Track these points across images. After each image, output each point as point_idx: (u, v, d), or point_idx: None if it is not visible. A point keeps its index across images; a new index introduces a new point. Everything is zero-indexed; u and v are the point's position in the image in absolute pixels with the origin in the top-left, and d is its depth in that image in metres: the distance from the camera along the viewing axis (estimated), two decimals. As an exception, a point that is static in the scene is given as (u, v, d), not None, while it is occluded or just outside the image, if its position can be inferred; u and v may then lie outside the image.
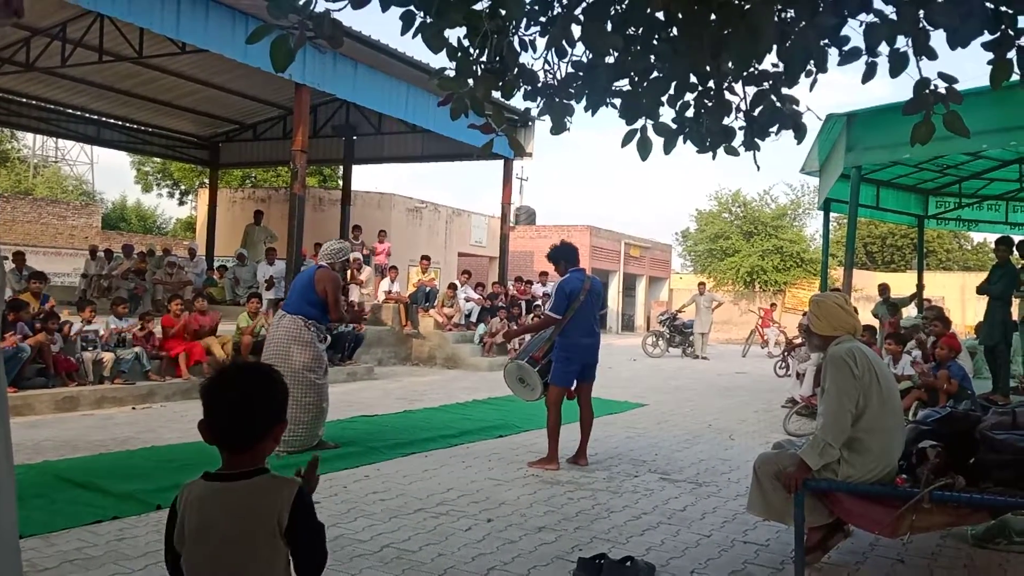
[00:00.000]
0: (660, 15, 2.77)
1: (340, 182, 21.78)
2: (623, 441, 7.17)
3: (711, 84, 2.99)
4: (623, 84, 2.93)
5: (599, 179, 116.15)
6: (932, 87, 2.52)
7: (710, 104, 3.01)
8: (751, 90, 2.97)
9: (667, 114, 3.01)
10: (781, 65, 2.79)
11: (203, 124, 19.27)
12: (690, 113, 3.07)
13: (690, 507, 4.93)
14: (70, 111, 17.72)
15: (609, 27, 2.75)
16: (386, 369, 13.02)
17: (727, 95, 3.01)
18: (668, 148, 2.98)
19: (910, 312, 12.73)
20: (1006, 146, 8.25)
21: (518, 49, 2.89)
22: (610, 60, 2.85)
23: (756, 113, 2.99)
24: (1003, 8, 2.45)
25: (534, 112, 2.99)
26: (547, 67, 2.94)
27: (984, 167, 10.43)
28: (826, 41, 2.61)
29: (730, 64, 2.79)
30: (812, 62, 2.66)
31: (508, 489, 5.26)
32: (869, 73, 2.57)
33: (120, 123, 18.78)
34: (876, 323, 11.63)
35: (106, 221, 37.00)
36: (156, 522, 4.22)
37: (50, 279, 12.59)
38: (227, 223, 20.61)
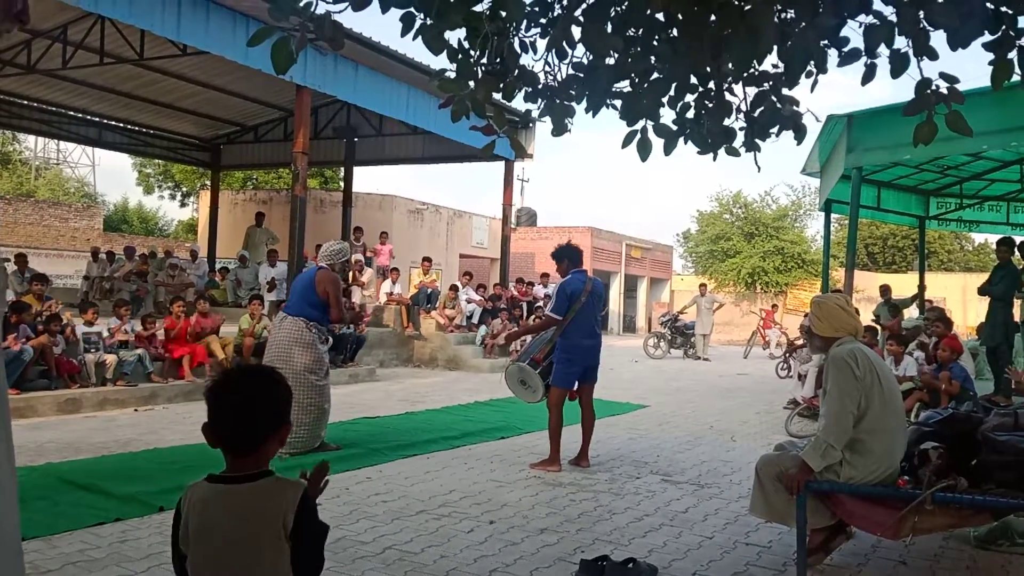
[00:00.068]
0: (660, 16, 2.77)
1: (341, 184, 21.78)
2: (625, 443, 7.17)
3: (711, 85, 2.99)
4: (623, 85, 2.94)
5: (600, 180, 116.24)
6: (934, 87, 2.52)
7: (710, 105, 3.01)
8: (751, 91, 2.97)
9: (668, 115, 3.02)
10: (781, 66, 2.79)
11: (204, 126, 19.29)
12: (691, 114, 3.07)
13: (692, 509, 4.93)
14: (71, 113, 17.74)
15: (609, 28, 2.75)
16: (388, 371, 13.02)
17: (727, 96, 3.01)
18: (668, 149, 2.98)
19: (912, 313, 12.72)
20: (1007, 147, 8.26)
21: (518, 51, 2.90)
22: (610, 61, 2.85)
23: (756, 114, 2.99)
24: (1003, 8, 2.45)
25: (535, 114, 2.99)
26: (547, 69, 2.94)
27: (985, 168, 10.43)
28: (826, 42, 2.61)
29: (730, 65, 2.79)
30: (812, 63, 2.66)
31: (510, 491, 5.26)
32: (869, 74, 2.57)
33: (121, 125, 18.80)
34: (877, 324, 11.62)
35: (108, 223, 37.04)
36: (159, 524, 4.22)
37: (52, 281, 12.58)
38: (228, 225, 20.63)
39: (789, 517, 3.61)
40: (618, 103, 2.94)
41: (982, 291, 8.92)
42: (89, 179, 51.03)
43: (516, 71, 2.90)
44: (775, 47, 2.65)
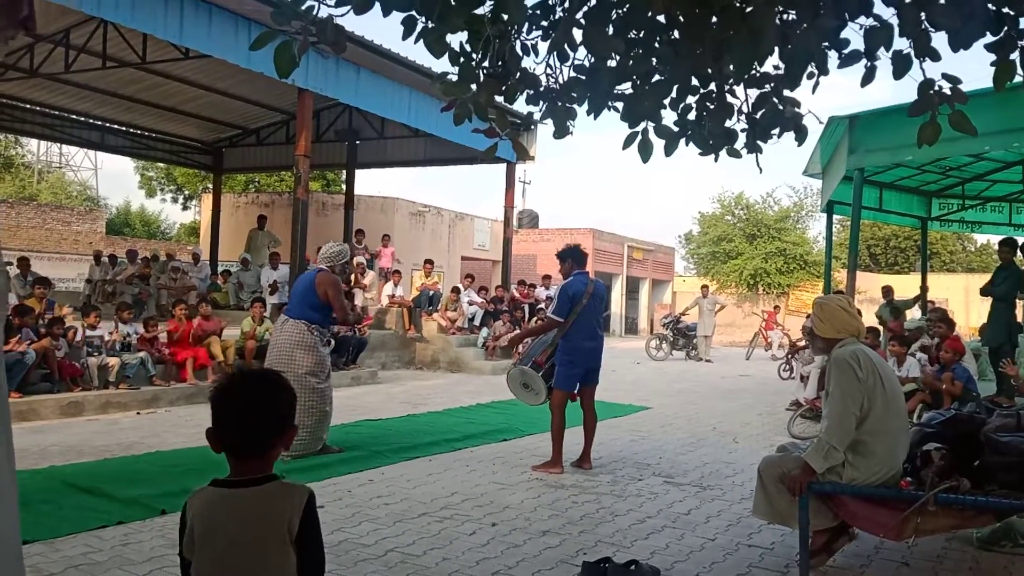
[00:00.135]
0: (661, 18, 2.77)
1: (343, 186, 21.80)
2: (627, 444, 7.17)
3: (713, 87, 2.99)
4: (625, 87, 2.94)
5: (602, 182, 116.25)
6: (936, 88, 2.52)
7: (712, 106, 3.02)
8: (753, 92, 2.97)
9: (669, 117, 3.02)
10: (783, 67, 2.79)
11: (206, 129, 19.33)
12: (692, 116, 3.07)
13: (694, 510, 4.92)
14: (74, 117, 17.78)
15: (611, 30, 2.76)
16: (390, 373, 13.02)
17: (729, 97, 3.01)
18: (669, 150, 2.99)
19: (914, 314, 12.71)
20: (1009, 148, 8.25)
21: (520, 53, 2.90)
22: (612, 63, 2.86)
23: (758, 115, 2.99)
24: (1005, 10, 2.45)
25: (536, 116, 2.99)
26: (549, 71, 2.94)
27: (987, 169, 10.42)
28: (826, 44, 2.61)
29: (732, 66, 2.79)
30: (813, 65, 2.66)
31: (512, 493, 5.25)
32: (868, 76, 2.58)
33: (124, 129, 18.84)
34: (880, 325, 11.61)
35: (110, 226, 37.11)
36: (161, 527, 4.23)
37: (55, 284, 12.60)
38: (231, 228, 20.65)
39: (791, 518, 3.61)
40: (619, 105, 2.94)
41: (984, 292, 8.91)
42: (91, 182, 51.18)
43: (518, 74, 2.90)
44: (776, 49, 2.65)
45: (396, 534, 4.24)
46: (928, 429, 3.74)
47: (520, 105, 3.18)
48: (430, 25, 2.55)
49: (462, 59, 2.77)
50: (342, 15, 2.53)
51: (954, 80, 2.52)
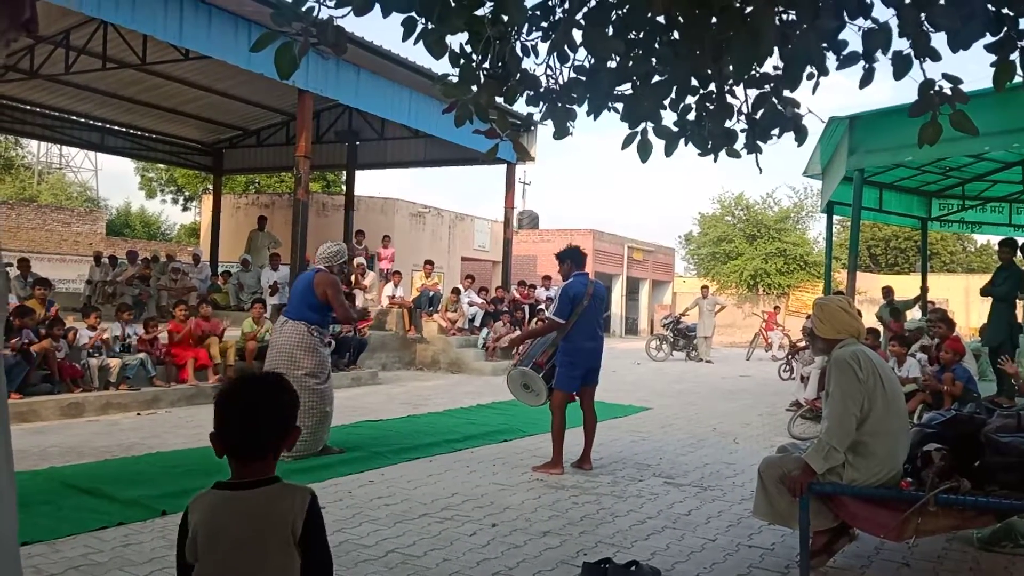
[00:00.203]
0: (661, 19, 2.77)
1: (343, 187, 21.80)
2: (627, 445, 7.17)
3: (712, 87, 2.99)
4: (625, 88, 2.94)
5: (601, 183, 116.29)
6: (937, 88, 2.52)
7: (711, 107, 3.02)
8: (752, 93, 2.98)
9: (669, 117, 3.02)
10: (782, 68, 2.80)
11: (206, 130, 19.33)
12: (692, 116, 3.07)
13: (695, 511, 4.92)
14: (74, 118, 17.79)
15: (610, 31, 2.76)
16: (390, 374, 13.02)
17: (728, 98, 3.01)
18: (669, 151, 2.99)
19: (914, 315, 12.71)
20: (1009, 148, 8.24)
21: (520, 54, 2.90)
22: (612, 64, 2.86)
23: (757, 116, 2.99)
24: (1004, 10, 2.46)
25: (537, 117, 3.00)
26: (549, 72, 2.95)
27: (987, 169, 10.42)
28: (825, 45, 2.61)
29: (731, 67, 2.79)
30: (813, 65, 2.66)
31: (513, 494, 5.25)
32: (867, 78, 2.58)
33: (124, 130, 18.85)
34: (880, 326, 11.61)
35: (110, 227, 37.11)
36: (162, 528, 4.23)
37: (55, 285, 12.59)
38: (231, 229, 20.66)
39: (792, 519, 3.61)
40: (619, 106, 2.94)
41: (985, 292, 8.91)
42: (92, 183, 51.20)
43: (518, 75, 2.90)
44: (776, 49, 2.65)
45: (397, 535, 4.24)
46: (928, 430, 3.74)
47: (520, 106, 3.19)
48: (430, 26, 2.55)
49: (462, 60, 2.77)
50: (342, 16, 2.54)
51: (955, 80, 2.52)
